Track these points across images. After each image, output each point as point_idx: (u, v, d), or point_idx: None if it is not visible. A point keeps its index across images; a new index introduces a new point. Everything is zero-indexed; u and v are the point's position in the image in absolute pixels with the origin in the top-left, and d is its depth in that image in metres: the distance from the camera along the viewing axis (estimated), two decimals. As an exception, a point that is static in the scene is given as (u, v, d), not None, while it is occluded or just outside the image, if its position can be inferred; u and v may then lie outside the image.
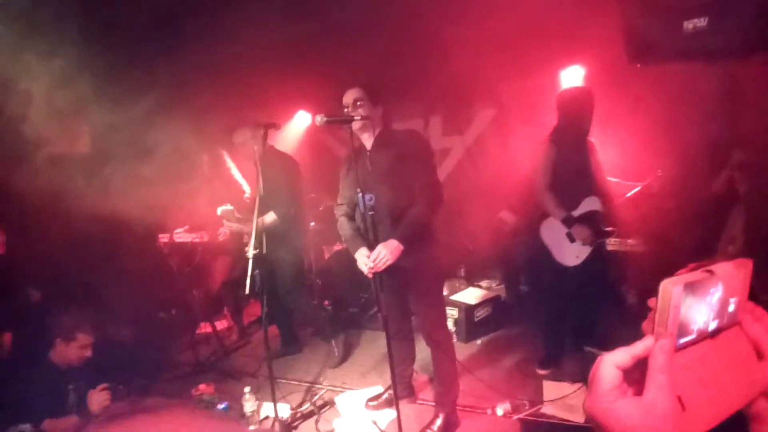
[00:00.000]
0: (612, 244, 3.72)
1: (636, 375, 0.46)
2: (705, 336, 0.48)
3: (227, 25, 4.07)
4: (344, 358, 3.58)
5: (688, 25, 1.52)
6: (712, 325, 0.48)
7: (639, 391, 0.45)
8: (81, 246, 3.57)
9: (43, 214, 3.38)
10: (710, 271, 0.47)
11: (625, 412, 0.44)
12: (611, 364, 0.46)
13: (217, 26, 4.09)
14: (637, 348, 0.46)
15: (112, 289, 3.45)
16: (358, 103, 2.38)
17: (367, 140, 2.47)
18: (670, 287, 0.44)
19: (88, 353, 2.53)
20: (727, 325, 0.49)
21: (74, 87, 3.55)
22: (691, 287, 0.45)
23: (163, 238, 3.49)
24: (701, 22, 1.50)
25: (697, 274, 0.46)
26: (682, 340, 0.46)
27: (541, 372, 3.14)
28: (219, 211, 3.29)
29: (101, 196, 3.47)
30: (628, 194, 3.54)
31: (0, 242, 3.23)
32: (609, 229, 2.94)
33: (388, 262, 2.22)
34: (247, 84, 4.45)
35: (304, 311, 3.70)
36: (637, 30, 1.66)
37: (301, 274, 3.64)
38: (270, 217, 3.23)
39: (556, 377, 3.07)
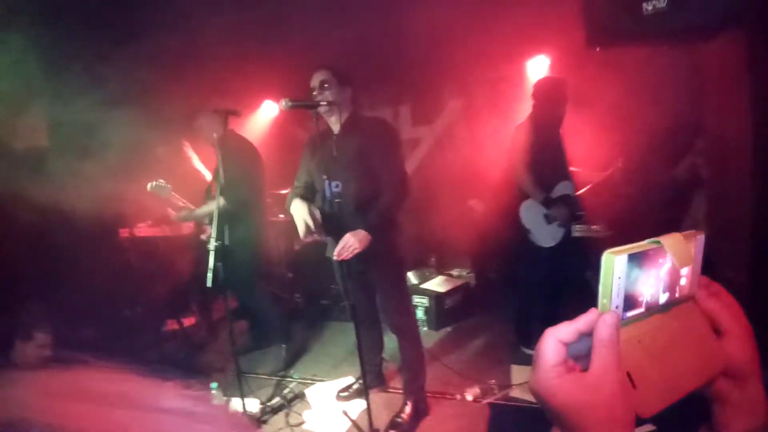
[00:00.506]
0: (578, 230, 3.82)
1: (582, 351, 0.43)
2: (655, 310, 0.45)
3: (188, 11, 3.93)
4: (289, 365, 3.36)
5: (648, 6, 1.53)
6: (663, 298, 0.46)
7: (585, 366, 0.42)
8: (37, 242, 3.41)
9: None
10: (656, 242, 0.45)
11: (569, 388, 0.41)
12: (555, 339, 0.43)
13: (178, 12, 3.95)
14: (581, 321, 0.43)
15: (71, 287, 3.31)
16: (325, 86, 2.31)
17: (334, 124, 2.42)
18: (612, 257, 0.42)
19: (48, 353, 2.41)
20: (680, 299, 0.47)
21: (27, 79, 3.37)
22: (637, 258, 0.43)
23: (125, 232, 3.36)
24: (661, 3, 1.51)
25: (643, 245, 0.44)
26: (630, 314, 0.44)
27: (529, 352, 3.17)
28: (150, 186, 2.98)
29: (57, 190, 3.32)
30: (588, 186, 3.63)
31: None
32: (579, 213, 3.04)
33: (356, 251, 2.20)
34: (210, 73, 4.32)
35: (258, 309, 3.45)
36: (596, 13, 1.68)
37: (257, 268, 3.34)
38: (210, 207, 3.02)
39: (524, 361, 3.13)
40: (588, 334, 0.43)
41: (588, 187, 3.61)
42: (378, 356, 2.85)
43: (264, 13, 3.95)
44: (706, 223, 3.19)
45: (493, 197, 3.83)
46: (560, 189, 3.02)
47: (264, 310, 3.44)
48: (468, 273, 4.57)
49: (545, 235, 3.05)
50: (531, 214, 3.07)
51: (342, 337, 3.83)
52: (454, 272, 4.56)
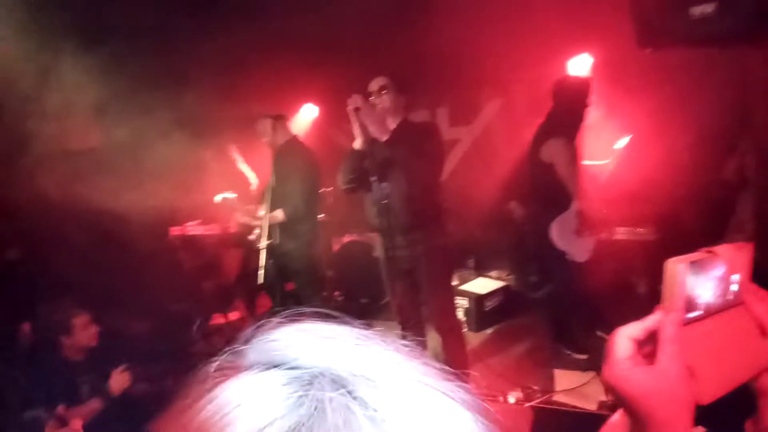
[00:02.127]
0: (621, 233, 3.73)
1: (649, 347, 0.50)
2: (711, 312, 0.51)
3: (234, 19, 4.09)
4: None
5: (695, 10, 1.52)
6: (717, 303, 0.52)
7: (652, 361, 0.48)
8: (92, 240, 3.61)
9: (56, 210, 3.40)
10: (712, 251, 0.50)
11: (639, 379, 0.47)
12: (625, 336, 0.50)
13: (224, 20, 4.11)
14: (648, 321, 0.50)
15: (122, 283, 3.49)
16: (384, 91, 2.36)
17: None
18: (674, 265, 0.48)
19: (94, 330, 2.52)
20: (732, 303, 0.53)
21: (83, 82, 3.58)
22: (695, 266, 0.49)
23: (175, 231, 3.53)
24: (708, 7, 1.51)
25: (701, 254, 0.50)
26: (690, 315, 0.50)
27: (579, 356, 3.11)
28: (218, 198, 3.14)
29: (111, 190, 3.51)
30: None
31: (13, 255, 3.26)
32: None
33: None
34: (254, 77, 4.46)
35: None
36: (646, 15, 1.67)
37: (315, 271, 3.44)
38: (278, 215, 3.13)
39: (567, 365, 3.09)
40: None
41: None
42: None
43: (305, 18, 4.05)
44: (752, 224, 3.06)
45: (532, 200, 3.80)
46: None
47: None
48: (507, 275, 4.53)
49: (581, 249, 2.97)
50: (563, 232, 2.96)
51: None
52: (493, 274, 4.53)
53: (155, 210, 3.54)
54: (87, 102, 4.08)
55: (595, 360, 3.04)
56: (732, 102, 3.25)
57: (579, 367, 3.02)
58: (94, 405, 2.35)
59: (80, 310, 2.47)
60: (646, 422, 0.47)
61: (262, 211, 3.26)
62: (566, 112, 2.86)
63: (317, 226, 3.52)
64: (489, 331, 3.77)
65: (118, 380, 2.42)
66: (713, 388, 0.48)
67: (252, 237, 3.27)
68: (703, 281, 0.50)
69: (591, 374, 2.90)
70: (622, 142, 3.90)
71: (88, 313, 2.48)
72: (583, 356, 3.13)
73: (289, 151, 3.22)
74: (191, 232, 3.62)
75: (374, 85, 2.39)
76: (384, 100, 2.34)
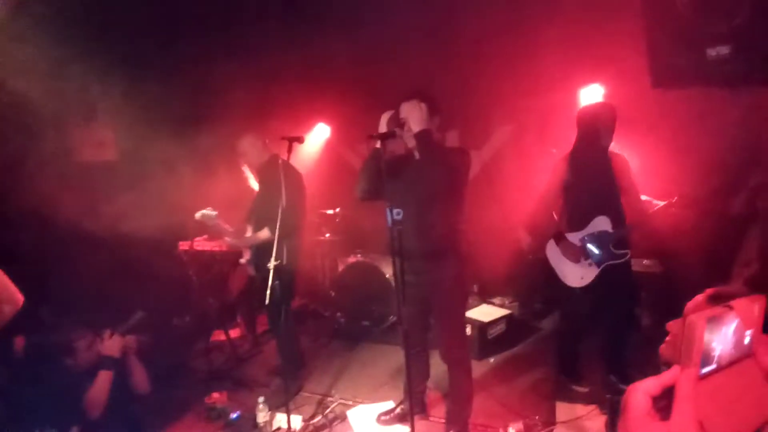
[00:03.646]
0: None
1: (662, 402, 0.51)
2: (723, 365, 0.53)
3: (251, 39, 4.19)
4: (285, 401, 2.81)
5: (712, 52, 1.55)
6: (729, 356, 0.53)
7: (665, 416, 0.49)
8: (102, 251, 3.64)
9: (70, 219, 3.44)
10: (729, 307, 0.52)
11: None
12: (641, 391, 0.51)
13: (242, 40, 4.22)
14: (665, 377, 0.51)
15: (130, 295, 3.51)
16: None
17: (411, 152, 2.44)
18: (693, 321, 0.49)
19: (97, 350, 2.43)
20: (743, 355, 0.54)
21: (100, 95, 3.67)
22: (712, 321, 0.50)
23: (184, 245, 3.56)
24: (724, 49, 1.53)
25: (718, 309, 0.52)
26: (704, 370, 0.51)
27: (579, 389, 3.07)
28: (198, 215, 2.91)
29: (124, 202, 3.56)
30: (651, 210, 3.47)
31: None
32: (620, 251, 2.84)
33: None
34: (269, 96, 4.55)
35: (279, 333, 3.28)
36: (662, 56, 1.70)
37: (291, 289, 3.24)
38: (264, 234, 3.09)
39: (569, 398, 3.03)
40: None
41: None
42: (422, 384, 2.85)
43: (317, 40, 4.14)
44: (759, 259, 3.02)
45: (538, 228, 3.79)
46: (596, 224, 2.83)
47: (288, 335, 3.30)
48: (511, 302, 4.49)
49: (573, 274, 2.89)
50: (555, 253, 2.94)
51: (383, 359, 3.84)
52: (497, 300, 4.49)
53: (166, 224, 3.57)
54: (105, 118, 4.19)
55: (595, 393, 3.01)
56: (740, 138, 3.25)
57: (581, 400, 2.96)
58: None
59: (83, 330, 2.41)
60: None
61: (248, 233, 3.23)
62: (589, 139, 2.83)
63: (297, 251, 3.28)
64: (492, 359, 3.72)
65: (111, 344, 2.34)
66: None
67: (242, 260, 3.26)
68: (719, 336, 0.51)
69: (592, 407, 2.85)
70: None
71: (92, 333, 2.42)
72: (584, 389, 3.08)
73: (270, 169, 3.16)
74: (199, 248, 3.65)
75: (406, 114, 2.36)
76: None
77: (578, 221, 2.89)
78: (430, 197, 2.35)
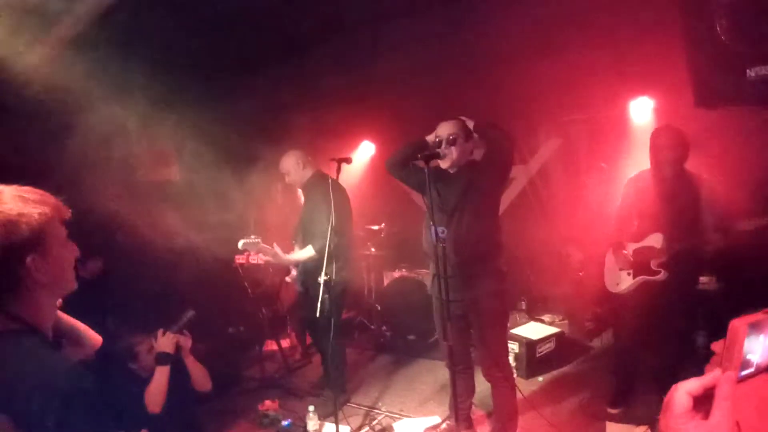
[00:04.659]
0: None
1: (702, 401, 0.54)
2: (761, 370, 0.56)
3: (303, 66, 4.44)
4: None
5: (751, 72, 1.54)
6: (766, 360, 0.57)
7: (704, 415, 0.53)
8: (166, 267, 3.90)
9: (137, 234, 3.72)
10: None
11: None
12: (684, 391, 0.56)
13: (293, 67, 4.48)
14: (707, 379, 0.55)
15: (193, 308, 3.73)
16: (451, 137, 2.42)
17: (451, 169, 2.51)
18: (736, 326, 0.54)
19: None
20: None
21: (167, 119, 3.99)
22: (754, 327, 0.54)
23: (240, 259, 3.77)
24: (764, 70, 1.52)
25: (760, 315, 0.55)
26: (743, 373, 0.55)
27: (612, 411, 3.02)
28: (240, 244, 3.01)
29: (186, 219, 3.82)
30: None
31: (99, 267, 3.59)
32: (656, 268, 2.80)
33: None
34: (319, 116, 4.76)
35: (329, 346, 3.18)
36: (703, 75, 1.69)
37: (335, 307, 3.12)
38: (308, 252, 3.11)
39: (622, 419, 2.94)
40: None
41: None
42: (468, 400, 2.85)
43: (362, 63, 4.30)
44: None
45: (592, 244, 3.70)
46: (648, 240, 2.86)
47: (336, 349, 3.28)
48: (561, 320, 4.39)
49: (612, 279, 2.99)
50: (611, 259, 3.02)
51: (429, 374, 3.86)
52: (546, 318, 4.40)
53: (224, 239, 3.80)
54: (170, 141, 4.53)
55: (631, 415, 2.94)
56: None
57: (632, 421, 2.87)
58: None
59: (142, 336, 2.55)
60: None
61: (296, 250, 3.30)
62: (653, 161, 2.86)
63: (348, 267, 3.34)
64: (540, 378, 3.65)
65: (166, 341, 2.44)
66: None
67: (288, 278, 3.38)
68: (757, 340, 0.54)
69: (644, 428, 2.75)
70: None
71: (149, 337, 2.53)
72: (615, 410, 3.00)
73: (315, 186, 3.23)
74: (253, 261, 3.85)
75: (443, 131, 2.44)
76: (452, 151, 2.41)
77: (636, 234, 2.93)
78: (465, 212, 2.40)
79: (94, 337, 1.36)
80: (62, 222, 1.08)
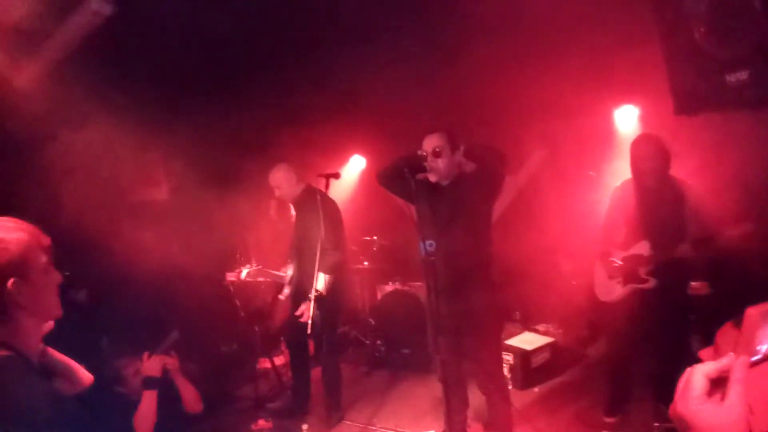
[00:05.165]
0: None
1: (716, 384, 0.57)
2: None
3: (288, 80, 4.45)
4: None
5: (731, 78, 1.57)
6: None
7: (719, 398, 0.56)
8: (156, 287, 3.84)
9: (126, 255, 3.66)
10: None
11: (710, 414, 0.55)
12: (701, 373, 0.58)
13: (279, 80, 4.49)
14: (722, 362, 0.58)
15: (184, 327, 3.67)
16: (437, 150, 2.37)
17: (441, 181, 2.48)
18: (752, 313, 0.57)
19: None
20: None
21: (154, 137, 3.96)
22: (764, 316, 0.57)
23: (231, 276, 3.73)
24: (743, 75, 1.55)
25: None
26: (754, 358, 0.57)
27: (608, 420, 2.99)
28: (243, 274, 3.09)
29: (175, 238, 3.78)
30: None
31: (82, 297, 3.53)
32: (645, 276, 2.80)
33: None
34: (308, 132, 4.77)
35: (325, 363, 3.36)
36: (682, 83, 1.72)
37: (328, 323, 3.17)
38: (322, 281, 2.98)
39: (619, 427, 2.92)
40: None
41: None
42: (463, 413, 2.82)
43: (352, 75, 4.33)
44: None
45: (581, 252, 3.71)
46: (635, 248, 2.86)
47: (330, 365, 3.38)
48: (556, 329, 4.38)
49: (602, 288, 2.97)
50: (600, 268, 3.02)
51: (424, 388, 3.82)
52: (540, 327, 4.39)
53: (214, 256, 3.76)
54: (156, 159, 4.50)
55: (627, 424, 2.93)
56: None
57: (629, 429, 2.86)
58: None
59: (128, 359, 2.50)
60: None
61: (289, 270, 3.31)
62: (633, 171, 2.88)
63: (339, 275, 3.30)
64: (536, 389, 3.62)
65: (153, 364, 2.40)
66: (766, 423, 0.56)
67: (281, 296, 3.36)
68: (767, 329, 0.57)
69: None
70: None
71: (136, 359, 2.48)
72: (611, 419, 2.98)
73: (306, 201, 3.23)
74: (246, 278, 3.82)
75: (428, 145, 2.41)
76: (438, 163, 2.38)
77: (624, 242, 2.93)
78: (455, 225, 2.39)
79: (86, 376, 1.36)
80: (41, 249, 1.10)
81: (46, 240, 1.11)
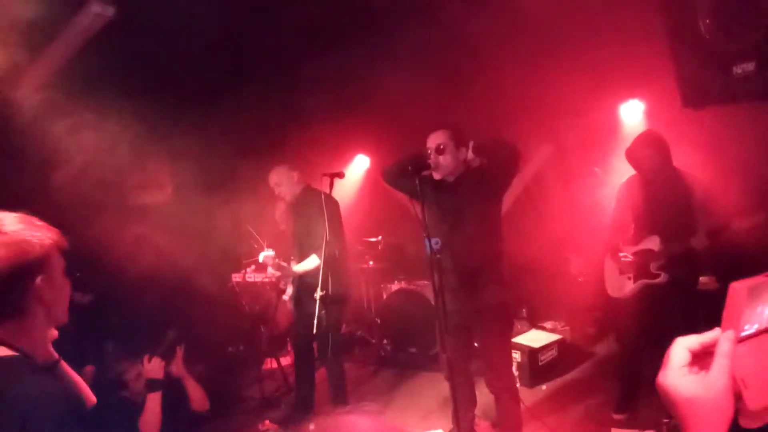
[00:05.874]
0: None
1: (702, 358, 0.56)
2: (762, 330, 0.57)
3: (292, 80, 4.45)
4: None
5: (738, 69, 1.55)
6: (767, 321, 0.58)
7: (702, 371, 0.54)
8: (161, 289, 3.84)
9: (130, 258, 3.66)
10: None
11: (689, 385, 0.54)
12: (683, 346, 0.56)
13: (283, 81, 4.49)
14: (707, 336, 0.56)
15: (191, 329, 3.67)
16: (441, 147, 2.35)
17: (447, 178, 2.44)
18: (735, 287, 0.55)
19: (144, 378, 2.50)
20: None
21: (158, 140, 3.97)
22: (754, 289, 0.55)
23: (236, 277, 3.73)
24: (750, 66, 1.53)
25: (760, 278, 0.56)
26: (743, 333, 0.55)
27: (617, 417, 2.98)
28: (261, 257, 3.07)
29: (181, 240, 3.78)
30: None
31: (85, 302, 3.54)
32: (655, 271, 2.79)
33: None
34: (312, 132, 4.76)
35: (330, 363, 3.29)
36: (689, 76, 1.70)
37: (333, 322, 3.10)
38: (313, 261, 3.05)
39: (628, 424, 2.89)
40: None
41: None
42: (470, 412, 2.80)
43: (356, 74, 4.32)
44: None
45: (590, 248, 3.69)
46: (644, 243, 2.84)
47: (335, 365, 3.31)
48: (563, 326, 4.34)
49: (613, 284, 2.98)
50: (610, 264, 3.02)
51: (431, 387, 3.80)
52: (548, 325, 4.36)
53: (219, 258, 3.76)
54: (160, 162, 4.51)
55: (636, 420, 2.90)
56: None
57: (638, 426, 2.82)
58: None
59: (129, 363, 2.50)
60: (686, 426, 0.53)
61: (294, 265, 3.27)
62: (637, 168, 2.88)
63: (343, 274, 3.28)
64: (543, 386, 3.60)
65: (154, 366, 2.38)
66: (761, 396, 0.54)
67: (285, 297, 3.34)
68: (759, 302, 0.56)
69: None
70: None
71: (137, 363, 2.47)
72: (620, 416, 2.96)
73: (306, 200, 3.20)
74: (250, 279, 3.82)
75: (432, 142, 2.38)
76: (441, 161, 2.35)
77: (633, 237, 2.93)
78: (464, 222, 2.36)
79: (90, 397, 1.37)
80: (62, 251, 1.11)
81: (65, 243, 1.12)
